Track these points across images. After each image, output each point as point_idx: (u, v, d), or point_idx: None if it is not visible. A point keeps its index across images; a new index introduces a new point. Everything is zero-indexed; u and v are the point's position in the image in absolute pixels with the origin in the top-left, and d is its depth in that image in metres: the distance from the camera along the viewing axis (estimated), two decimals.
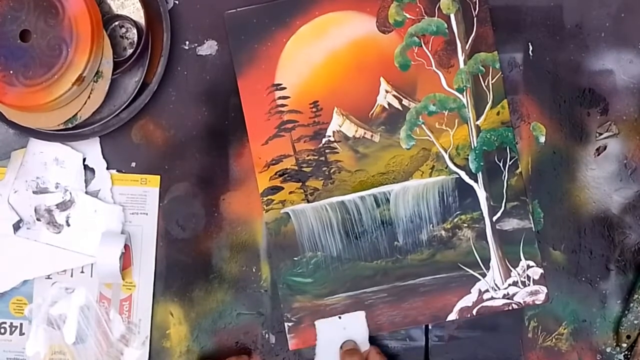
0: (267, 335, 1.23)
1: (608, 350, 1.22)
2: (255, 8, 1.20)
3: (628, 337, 1.21)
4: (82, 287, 1.22)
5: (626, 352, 1.21)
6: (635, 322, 1.20)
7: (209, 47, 1.22)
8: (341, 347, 1.20)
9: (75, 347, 1.22)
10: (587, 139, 1.22)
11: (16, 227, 1.22)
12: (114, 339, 1.22)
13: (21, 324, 1.23)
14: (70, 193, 1.22)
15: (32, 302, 1.23)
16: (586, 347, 1.22)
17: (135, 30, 1.20)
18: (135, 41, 1.20)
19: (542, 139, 1.21)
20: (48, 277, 1.22)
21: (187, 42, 1.22)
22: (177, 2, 1.22)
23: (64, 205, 1.21)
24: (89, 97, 1.17)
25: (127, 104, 1.20)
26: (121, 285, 1.22)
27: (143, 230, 1.23)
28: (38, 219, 1.22)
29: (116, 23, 1.21)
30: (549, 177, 1.21)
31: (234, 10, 1.20)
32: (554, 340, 1.22)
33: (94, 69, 1.15)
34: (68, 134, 1.20)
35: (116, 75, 1.19)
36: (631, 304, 1.20)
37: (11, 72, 1.13)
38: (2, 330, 1.23)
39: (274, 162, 1.21)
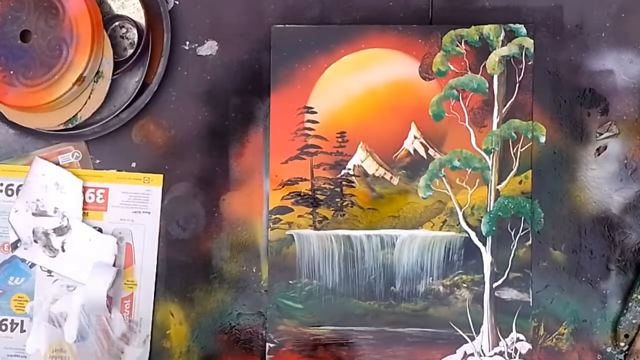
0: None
1: (608, 350, 1.22)
2: (303, 28, 1.21)
3: (626, 336, 1.21)
4: (84, 285, 1.22)
5: (626, 352, 1.21)
6: (634, 321, 1.20)
7: (209, 48, 1.23)
8: None
9: (75, 345, 1.22)
10: (588, 139, 1.22)
11: (14, 246, 1.22)
12: (115, 337, 1.22)
13: (22, 321, 1.23)
14: (68, 219, 1.21)
15: (34, 300, 1.23)
16: (587, 347, 1.22)
17: (135, 31, 1.20)
18: (136, 41, 1.20)
19: (542, 139, 1.20)
20: (49, 275, 1.22)
21: (187, 43, 1.23)
22: (177, 2, 1.22)
23: (60, 231, 1.21)
24: (89, 97, 1.18)
25: (127, 104, 1.20)
26: (122, 284, 1.23)
27: (145, 229, 1.23)
28: (35, 241, 1.22)
29: (116, 23, 1.21)
30: (549, 177, 1.21)
31: (282, 26, 1.20)
32: (554, 340, 1.22)
33: (94, 69, 1.15)
34: (68, 134, 1.21)
35: (116, 76, 1.19)
36: (630, 304, 1.20)
37: (12, 72, 1.14)
38: (3, 327, 1.23)
39: (289, 182, 1.21)
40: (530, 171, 1.19)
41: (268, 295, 1.21)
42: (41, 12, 1.13)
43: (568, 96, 1.21)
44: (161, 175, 1.23)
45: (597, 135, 1.22)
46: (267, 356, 1.21)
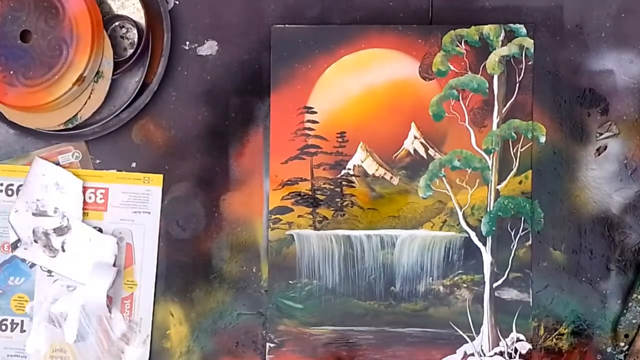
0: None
1: (608, 350, 1.22)
2: (303, 28, 1.21)
3: (626, 336, 1.21)
4: (84, 285, 1.22)
5: (626, 352, 1.21)
6: (634, 321, 1.20)
7: (209, 47, 1.23)
8: None
9: (76, 345, 1.22)
10: (588, 139, 1.22)
11: (14, 246, 1.22)
12: (115, 337, 1.23)
13: (22, 321, 1.23)
14: (68, 219, 1.21)
15: (34, 300, 1.23)
16: (587, 347, 1.22)
17: (135, 31, 1.20)
18: (136, 41, 1.20)
19: (543, 139, 1.20)
20: (49, 275, 1.22)
21: (187, 42, 1.23)
22: (177, 2, 1.22)
23: (60, 231, 1.21)
24: (89, 97, 1.18)
25: (127, 104, 1.20)
26: (122, 284, 1.23)
27: (145, 229, 1.23)
28: (35, 241, 1.22)
29: (116, 23, 1.21)
30: (549, 177, 1.21)
31: (282, 26, 1.20)
32: (554, 340, 1.22)
33: (94, 69, 1.15)
34: (68, 134, 1.21)
35: (116, 76, 1.19)
36: (630, 304, 1.20)
37: (12, 72, 1.14)
38: (3, 327, 1.23)
39: (289, 182, 1.21)
40: (530, 171, 1.19)
41: (268, 295, 1.21)
42: (41, 12, 1.13)
43: (568, 96, 1.21)
44: (161, 175, 1.23)
45: (597, 135, 1.22)
46: (267, 356, 1.21)
